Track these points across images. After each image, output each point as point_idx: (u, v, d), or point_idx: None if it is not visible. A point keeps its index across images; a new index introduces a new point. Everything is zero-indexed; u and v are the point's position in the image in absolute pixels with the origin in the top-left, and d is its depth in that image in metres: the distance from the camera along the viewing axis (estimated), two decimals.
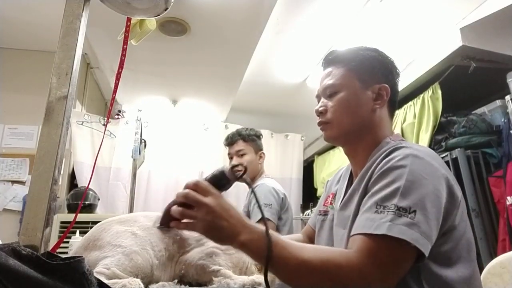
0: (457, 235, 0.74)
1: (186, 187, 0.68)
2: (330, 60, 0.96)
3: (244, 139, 1.95)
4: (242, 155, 1.93)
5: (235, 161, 1.93)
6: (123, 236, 0.81)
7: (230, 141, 1.98)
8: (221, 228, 0.64)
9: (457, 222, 0.75)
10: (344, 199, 0.88)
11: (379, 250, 0.65)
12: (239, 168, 0.68)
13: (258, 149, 1.99)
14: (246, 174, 0.69)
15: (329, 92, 0.92)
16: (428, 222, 0.66)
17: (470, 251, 0.77)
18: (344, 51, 0.95)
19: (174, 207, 0.68)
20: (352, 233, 0.71)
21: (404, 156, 0.74)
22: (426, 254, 0.65)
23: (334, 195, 0.98)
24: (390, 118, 0.94)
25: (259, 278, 0.84)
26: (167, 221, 0.70)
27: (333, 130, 0.91)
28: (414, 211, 0.66)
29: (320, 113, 0.93)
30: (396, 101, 0.95)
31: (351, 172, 0.97)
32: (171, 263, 0.85)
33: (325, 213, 0.98)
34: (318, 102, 0.96)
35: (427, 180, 0.70)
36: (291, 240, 0.69)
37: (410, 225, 0.65)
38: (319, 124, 0.94)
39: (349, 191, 0.87)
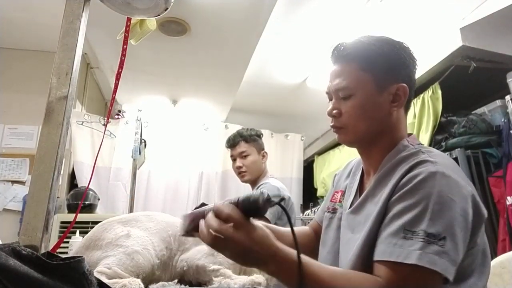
0: (475, 251, 0.73)
1: (218, 215, 0.63)
2: (341, 56, 0.88)
3: (246, 140, 1.94)
4: (245, 156, 1.92)
5: (239, 162, 1.92)
6: (125, 236, 0.81)
7: (232, 143, 1.97)
8: (251, 259, 0.62)
9: (479, 239, 0.73)
10: (356, 203, 0.84)
11: (409, 280, 0.63)
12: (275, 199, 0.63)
13: (261, 148, 1.98)
14: (282, 201, 0.65)
15: (342, 95, 0.85)
16: (456, 248, 0.65)
17: (485, 262, 0.75)
18: (356, 46, 0.86)
19: (204, 225, 0.63)
20: (378, 258, 0.68)
21: (430, 174, 0.70)
22: (452, 280, 0.64)
23: (343, 193, 0.95)
24: (406, 116, 0.89)
25: (259, 278, 0.84)
26: (192, 230, 0.67)
27: (348, 135, 0.86)
28: (444, 238, 0.64)
29: (332, 116, 0.87)
30: (413, 95, 0.89)
31: (362, 170, 0.94)
32: (172, 262, 0.85)
33: (334, 211, 0.95)
34: (329, 99, 0.91)
35: (455, 202, 0.67)
36: (321, 265, 0.67)
37: (440, 253, 0.63)
38: (333, 127, 0.89)
39: (362, 196, 0.83)
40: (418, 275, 0.63)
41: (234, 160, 1.97)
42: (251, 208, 0.61)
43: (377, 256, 0.68)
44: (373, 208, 0.77)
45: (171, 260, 0.85)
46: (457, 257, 0.65)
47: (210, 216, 0.63)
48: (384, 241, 0.69)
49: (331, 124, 0.88)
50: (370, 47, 0.85)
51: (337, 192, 0.99)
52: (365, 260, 0.72)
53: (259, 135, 2.02)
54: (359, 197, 0.87)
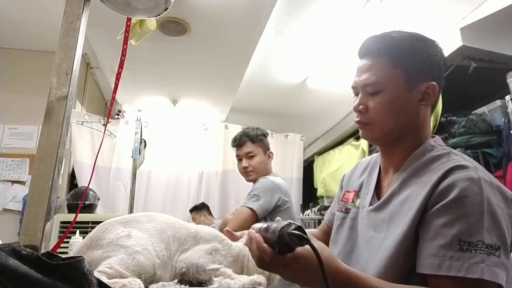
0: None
1: (254, 252, 0.62)
2: (372, 51, 0.84)
3: (253, 140, 1.91)
4: (252, 157, 1.89)
5: (245, 163, 1.90)
6: (125, 237, 0.81)
7: (239, 143, 1.94)
8: (305, 282, 0.62)
9: None
10: (379, 202, 0.81)
11: None
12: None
13: (267, 148, 1.96)
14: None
15: (370, 90, 0.82)
16: (509, 257, 0.64)
17: None
18: (388, 40, 0.82)
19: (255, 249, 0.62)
20: (434, 272, 0.65)
21: (475, 181, 0.68)
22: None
23: (357, 192, 0.92)
24: (431, 116, 0.87)
25: (259, 278, 0.84)
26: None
27: (373, 132, 0.84)
28: (499, 248, 0.63)
29: (359, 111, 0.84)
30: (440, 95, 0.86)
31: (379, 168, 0.91)
32: (172, 262, 0.85)
33: (346, 211, 0.93)
34: (355, 94, 0.87)
35: (502, 209, 0.66)
36: (380, 281, 0.65)
37: (499, 264, 0.62)
38: (358, 123, 0.86)
39: (387, 195, 0.80)
40: None
41: (239, 160, 1.94)
42: (281, 247, 0.58)
43: (431, 269, 0.65)
44: (401, 208, 0.75)
45: (170, 260, 0.85)
46: (510, 266, 0.64)
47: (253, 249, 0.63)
48: (437, 253, 0.66)
49: (356, 120, 0.86)
50: (402, 42, 0.82)
51: (348, 192, 0.97)
52: (400, 261, 0.70)
53: (265, 135, 2.00)
54: (380, 195, 0.85)
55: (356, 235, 0.85)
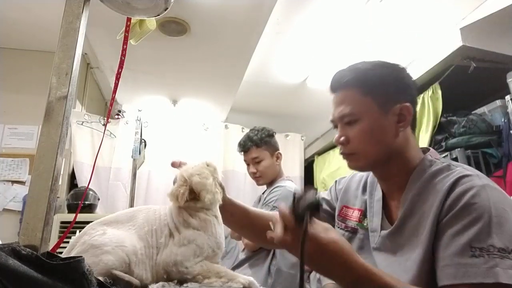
0: None
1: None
2: (341, 84, 0.87)
3: (257, 145, 1.85)
4: (259, 162, 1.84)
5: (252, 168, 1.85)
6: (99, 236, 0.78)
7: (243, 149, 1.89)
8: (321, 264, 0.64)
9: None
10: (395, 226, 0.81)
11: None
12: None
13: (274, 150, 1.89)
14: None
15: (347, 121, 0.84)
16: None
17: None
18: (354, 72, 0.86)
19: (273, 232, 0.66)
20: (449, 282, 0.65)
21: (481, 188, 0.70)
22: None
23: (363, 212, 0.91)
24: (414, 133, 0.89)
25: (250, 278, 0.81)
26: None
27: (360, 161, 0.85)
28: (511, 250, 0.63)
29: (341, 144, 0.86)
30: (416, 114, 0.89)
31: (382, 191, 0.91)
32: (152, 262, 0.80)
33: (353, 231, 0.92)
34: (334, 127, 0.90)
35: (508, 212, 0.67)
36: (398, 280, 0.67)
37: None
38: (342, 154, 0.88)
39: (400, 218, 0.80)
40: None
41: (248, 164, 1.90)
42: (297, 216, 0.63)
43: (448, 279, 0.66)
44: (417, 228, 0.76)
45: (151, 260, 0.81)
46: None
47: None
48: (451, 262, 0.66)
49: (341, 152, 0.87)
50: (369, 72, 0.85)
51: (348, 208, 0.96)
52: (424, 280, 0.71)
53: (271, 135, 1.92)
54: (391, 218, 0.85)
55: (371, 260, 0.84)
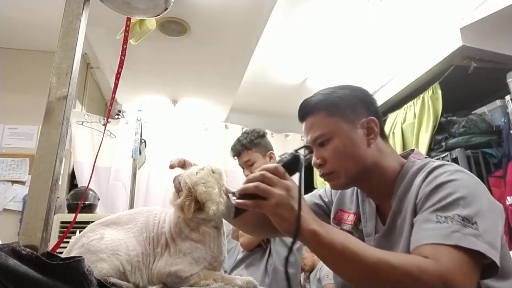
0: (503, 247, 0.74)
1: (264, 169, 0.70)
2: (308, 111, 0.93)
3: (247, 148, 1.83)
4: (251, 165, 1.82)
5: (246, 171, 1.83)
6: (96, 240, 0.77)
7: (236, 153, 1.87)
8: (292, 209, 0.65)
9: (502, 233, 0.76)
10: (386, 226, 0.85)
11: (456, 258, 0.64)
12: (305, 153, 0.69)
13: (266, 150, 1.87)
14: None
15: (320, 142, 0.89)
16: (490, 233, 0.67)
17: None
18: (318, 98, 0.92)
19: (249, 184, 0.69)
20: (416, 245, 0.69)
21: (453, 171, 0.76)
22: (499, 265, 0.65)
23: (358, 216, 0.95)
24: (387, 143, 0.93)
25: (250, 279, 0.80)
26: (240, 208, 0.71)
27: (340, 178, 0.88)
28: (475, 222, 0.66)
29: (319, 166, 0.90)
30: (383, 125, 0.94)
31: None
32: (148, 270, 0.79)
33: (349, 233, 0.95)
34: (310, 153, 0.95)
35: (480, 193, 0.72)
36: (368, 246, 0.69)
37: (477, 236, 0.65)
38: (322, 176, 0.91)
39: (390, 217, 0.84)
40: (462, 256, 0.64)
41: (243, 168, 1.88)
42: (291, 161, 0.74)
43: (415, 244, 0.69)
44: (403, 223, 0.80)
45: (147, 269, 0.79)
46: (493, 241, 0.66)
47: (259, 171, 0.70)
48: (418, 229, 0.71)
49: (320, 174, 0.92)
50: (330, 94, 0.91)
51: (343, 212, 0.99)
52: None
53: (262, 136, 1.90)
54: (384, 221, 0.87)
55: None
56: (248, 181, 0.69)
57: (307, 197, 1.12)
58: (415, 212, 0.76)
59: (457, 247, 0.64)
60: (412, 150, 0.93)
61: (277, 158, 0.73)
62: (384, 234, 0.85)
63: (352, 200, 0.99)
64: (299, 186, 0.69)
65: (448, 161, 2.24)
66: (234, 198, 0.71)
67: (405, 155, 0.93)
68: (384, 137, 0.93)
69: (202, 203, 0.78)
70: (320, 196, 1.09)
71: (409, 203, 0.79)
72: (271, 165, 0.71)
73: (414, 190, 0.79)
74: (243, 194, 0.69)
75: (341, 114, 0.88)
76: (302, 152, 0.76)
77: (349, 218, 0.96)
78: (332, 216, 1.01)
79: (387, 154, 0.90)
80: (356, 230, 0.93)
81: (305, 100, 0.95)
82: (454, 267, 0.62)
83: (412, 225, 0.75)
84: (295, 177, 0.74)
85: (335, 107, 0.89)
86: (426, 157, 0.89)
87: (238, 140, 1.89)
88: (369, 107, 0.91)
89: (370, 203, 0.93)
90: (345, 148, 0.86)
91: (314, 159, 0.91)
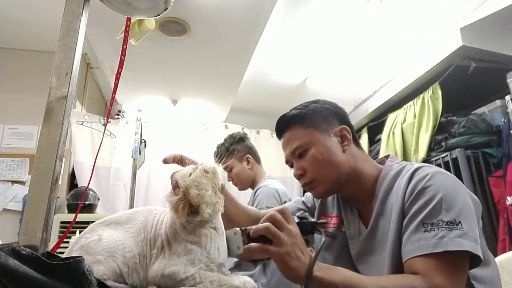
0: (480, 238, 0.78)
1: (274, 210, 0.72)
2: (283, 127, 0.99)
3: (224, 155, 1.93)
4: (230, 171, 1.93)
5: (228, 177, 1.93)
6: (94, 242, 0.76)
7: (218, 161, 1.95)
8: (298, 258, 0.67)
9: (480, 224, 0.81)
10: (369, 228, 0.89)
11: (445, 266, 0.68)
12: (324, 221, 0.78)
13: (242, 155, 1.94)
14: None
15: (298, 153, 0.94)
16: (473, 229, 0.72)
17: (490, 252, 0.84)
18: (293, 113, 0.97)
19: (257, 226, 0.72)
20: (408, 257, 0.73)
21: (433, 173, 0.80)
22: (482, 258, 0.71)
23: (341, 219, 0.99)
24: (361, 150, 0.99)
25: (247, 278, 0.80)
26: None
27: (321, 187, 0.93)
28: (460, 222, 0.71)
29: (300, 176, 0.95)
30: (355, 133, 1.01)
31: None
32: (145, 273, 0.77)
33: (333, 236, 0.99)
34: (290, 167, 1.00)
35: (457, 192, 0.77)
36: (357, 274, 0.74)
37: (462, 235, 0.70)
38: (304, 186, 0.96)
39: (373, 219, 0.88)
40: (452, 260, 0.69)
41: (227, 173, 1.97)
42: (305, 224, 0.79)
43: (407, 256, 0.73)
44: (387, 224, 0.83)
45: (144, 270, 0.77)
46: (476, 237, 0.72)
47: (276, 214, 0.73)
48: (408, 240, 0.75)
49: (302, 184, 0.96)
50: (303, 109, 0.97)
51: (326, 216, 1.04)
52: (399, 269, 0.77)
53: (238, 141, 1.98)
54: (366, 223, 0.91)
55: (351, 265, 0.91)
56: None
57: (291, 203, 1.17)
58: (402, 212, 0.80)
59: (445, 252, 0.68)
60: (387, 156, 0.98)
61: (297, 214, 0.81)
62: (368, 235, 0.89)
63: (334, 205, 1.04)
64: (316, 254, 0.70)
65: (448, 161, 2.24)
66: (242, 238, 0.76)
67: (381, 161, 0.98)
68: (358, 144, 0.99)
69: (196, 206, 0.76)
70: (304, 202, 1.14)
71: (394, 204, 0.83)
72: (279, 207, 0.74)
73: (399, 192, 0.83)
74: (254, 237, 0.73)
75: (315, 125, 0.94)
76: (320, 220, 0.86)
77: (332, 221, 1.01)
78: (315, 219, 1.05)
79: (363, 160, 0.95)
80: (339, 232, 0.97)
81: (280, 117, 1.01)
82: (444, 279, 0.67)
83: (399, 224, 0.79)
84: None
85: (309, 120, 0.95)
86: (402, 161, 0.94)
87: (217, 148, 2.01)
88: (340, 118, 0.98)
89: (352, 208, 0.97)
90: (322, 155, 0.91)
91: (294, 171, 0.96)
